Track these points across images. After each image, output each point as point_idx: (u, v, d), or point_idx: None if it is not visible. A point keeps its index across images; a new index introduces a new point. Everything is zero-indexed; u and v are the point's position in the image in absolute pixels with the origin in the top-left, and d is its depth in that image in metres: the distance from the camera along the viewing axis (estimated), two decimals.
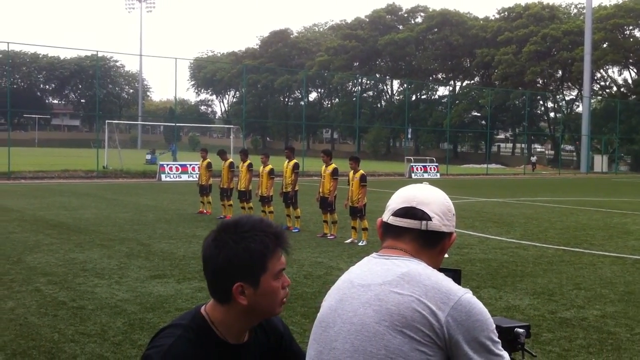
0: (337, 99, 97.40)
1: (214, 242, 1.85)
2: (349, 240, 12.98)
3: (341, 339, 1.86)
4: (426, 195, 1.99)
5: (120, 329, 6.64)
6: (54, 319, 6.93)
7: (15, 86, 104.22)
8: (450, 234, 1.99)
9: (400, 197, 2.02)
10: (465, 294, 1.81)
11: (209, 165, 17.82)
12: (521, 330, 2.28)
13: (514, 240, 13.58)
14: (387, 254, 1.96)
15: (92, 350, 5.96)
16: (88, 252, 11.02)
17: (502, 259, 11.24)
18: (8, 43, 33.88)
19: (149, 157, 46.23)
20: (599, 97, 73.44)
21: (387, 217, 2.02)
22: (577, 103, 76.15)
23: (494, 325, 1.84)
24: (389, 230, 2.00)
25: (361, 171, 13.18)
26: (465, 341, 1.77)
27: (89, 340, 6.25)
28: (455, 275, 2.02)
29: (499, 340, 1.85)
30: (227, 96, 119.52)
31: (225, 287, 1.83)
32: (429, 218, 1.94)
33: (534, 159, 63.47)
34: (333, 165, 13.83)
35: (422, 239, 1.95)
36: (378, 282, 1.88)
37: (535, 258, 11.50)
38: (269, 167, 15.51)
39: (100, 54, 51.54)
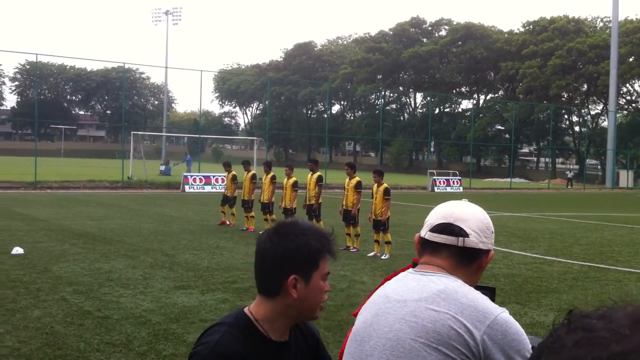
0: (360, 112, 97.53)
1: (275, 235, 1.93)
2: (371, 254, 12.97)
3: (377, 354, 1.88)
4: (464, 211, 2.00)
5: (145, 339, 6.70)
6: (80, 329, 7.01)
7: (42, 97, 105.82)
8: (488, 251, 1.99)
9: (439, 213, 2.02)
10: (501, 313, 1.82)
11: (234, 177, 17.94)
12: None
13: (538, 256, 13.47)
14: (424, 269, 1.97)
15: None
16: (113, 262, 11.13)
17: (526, 274, 11.16)
18: (37, 54, 34.62)
19: (162, 168, 46.22)
20: (625, 112, 72.71)
21: (424, 232, 2.03)
22: (602, 117, 75.45)
23: (530, 345, 1.84)
24: (426, 246, 2.02)
25: (385, 184, 13.19)
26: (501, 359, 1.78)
27: (114, 350, 6.31)
28: (491, 292, 2.02)
29: None
30: (250, 108, 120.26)
31: (279, 279, 1.90)
32: (466, 235, 1.95)
33: (570, 174, 62.27)
34: (357, 178, 13.84)
35: (459, 256, 1.96)
36: (414, 298, 1.89)
37: (560, 274, 11.39)
38: (293, 179, 15.56)
39: (126, 66, 52.24)
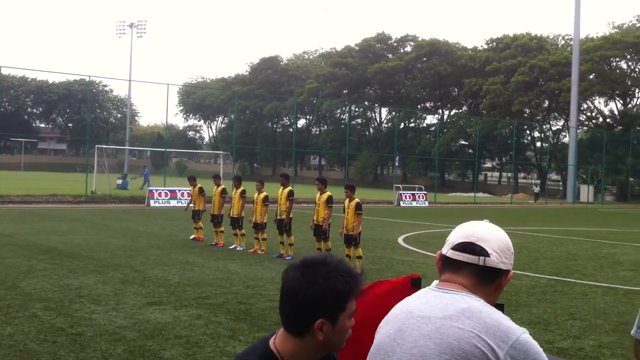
0: (325, 126, 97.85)
1: (303, 277, 1.92)
2: None
3: None
4: (486, 232, 2.05)
5: (121, 355, 6.62)
6: (54, 346, 6.89)
7: (2, 109, 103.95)
8: (507, 271, 2.05)
9: (461, 232, 2.08)
10: (523, 334, 1.89)
11: (201, 190, 17.85)
12: None
13: None
14: (446, 287, 2.03)
15: None
16: (82, 278, 10.97)
17: None
18: (0, 67, 33.70)
19: (119, 182, 45.14)
20: (585, 128, 74.30)
21: (446, 250, 2.08)
22: (563, 133, 76.97)
23: None
24: (447, 264, 2.07)
25: (357, 199, 13.27)
26: None
27: None
28: (500, 308, 2.07)
29: None
30: (215, 122, 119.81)
31: (305, 321, 1.91)
32: (487, 254, 2.00)
33: (536, 189, 63.01)
34: (328, 193, 13.90)
35: (480, 275, 2.01)
36: (439, 315, 1.94)
37: (529, 288, 11.57)
38: (264, 194, 15.55)
39: (90, 79, 51.71)
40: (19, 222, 20.80)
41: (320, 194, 13.98)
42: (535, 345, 1.90)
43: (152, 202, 32.21)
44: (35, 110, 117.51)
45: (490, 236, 2.04)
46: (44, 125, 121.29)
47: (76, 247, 14.94)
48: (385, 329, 2.06)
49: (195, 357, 6.67)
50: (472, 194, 56.20)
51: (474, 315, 1.90)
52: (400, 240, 19.45)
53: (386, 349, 2.00)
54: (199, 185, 17.97)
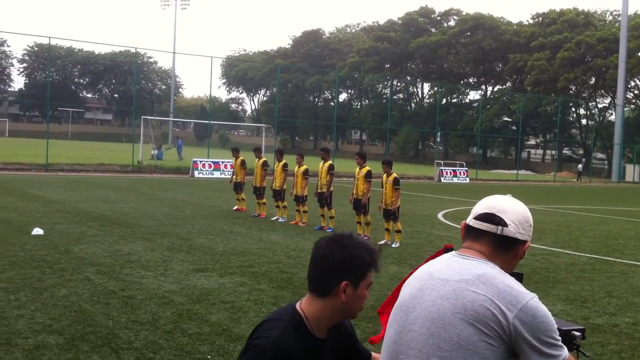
0: (367, 101, 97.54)
1: (335, 243, 2.22)
2: (382, 242, 13.21)
3: (419, 324, 2.15)
4: (507, 204, 2.25)
5: (170, 318, 6.98)
6: (107, 307, 7.29)
7: (50, 79, 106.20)
8: (525, 242, 2.24)
9: (484, 204, 2.29)
10: (532, 299, 2.07)
11: (242, 162, 18.15)
12: (577, 333, 2.55)
13: (545, 247, 13.71)
14: (466, 254, 2.23)
15: (145, 337, 6.30)
16: (131, 244, 11.41)
17: (534, 265, 11.40)
18: (49, 37, 34.53)
19: (154, 152, 45.86)
20: (633, 106, 72.65)
21: (469, 220, 2.29)
22: (610, 111, 75.49)
23: (556, 327, 2.10)
24: (469, 232, 2.28)
25: (394, 174, 13.40)
26: (529, 339, 2.03)
27: (141, 327, 6.59)
28: (519, 277, 2.27)
29: (559, 339, 2.10)
30: (257, 95, 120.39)
31: (331, 282, 2.19)
32: (505, 224, 2.20)
33: (580, 167, 62.19)
34: (367, 168, 14.05)
35: (498, 243, 2.21)
36: (456, 278, 2.15)
37: (567, 265, 11.64)
38: (304, 167, 15.79)
39: (137, 50, 52.31)
40: (68, 190, 21.49)
41: (360, 169, 14.13)
42: (543, 309, 2.07)
43: (196, 173, 32.83)
44: (82, 80, 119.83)
45: (510, 208, 2.23)
46: (90, 95, 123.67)
47: (124, 215, 15.46)
48: (409, 288, 2.28)
49: (240, 322, 6.99)
50: (514, 172, 55.65)
51: (488, 280, 2.10)
52: (439, 215, 19.56)
53: (408, 306, 2.22)
54: (241, 157, 18.25)
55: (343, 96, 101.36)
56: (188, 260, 10.26)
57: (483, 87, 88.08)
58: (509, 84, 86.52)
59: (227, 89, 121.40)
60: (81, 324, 6.62)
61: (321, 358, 2.25)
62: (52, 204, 17.16)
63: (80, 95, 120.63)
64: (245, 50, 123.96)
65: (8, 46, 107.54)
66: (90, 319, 6.80)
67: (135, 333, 6.40)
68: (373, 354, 2.57)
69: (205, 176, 32.69)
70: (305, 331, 2.20)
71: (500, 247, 2.21)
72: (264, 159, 17.86)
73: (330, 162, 15.59)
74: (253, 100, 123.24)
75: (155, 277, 8.89)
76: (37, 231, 12.00)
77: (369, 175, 14.02)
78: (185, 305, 7.54)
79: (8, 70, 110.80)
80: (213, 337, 6.41)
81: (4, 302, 7.25)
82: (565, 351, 2.10)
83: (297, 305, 2.26)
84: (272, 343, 2.11)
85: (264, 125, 50.50)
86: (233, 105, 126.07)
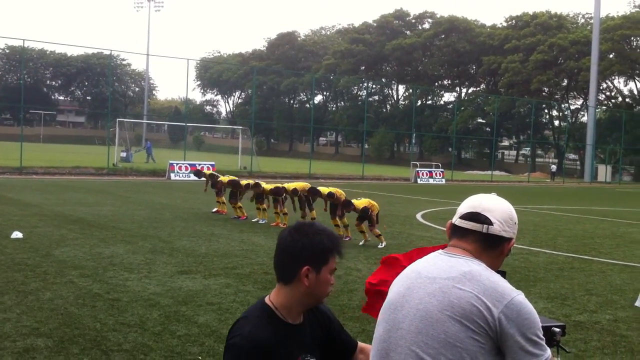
0: (342, 103, 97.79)
1: (296, 231, 2.34)
2: (362, 242, 13.27)
3: (407, 321, 2.20)
4: (491, 203, 2.31)
5: (157, 320, 6.97)
6: (93, 310, 7.25)
7: (21, 82, 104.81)
8: (510, 239, 2.29)
9: (469, 203, 2.35)
10: (517, 296, 2.13)
11: (212, 177, 18.47)
12: (557, 329, 2.62)
13: (524, 247, 13.89)
14: (452, 252, 2.28)
15: (134, 339, 6.28)
16: (113, 247, 11.35)
17: (513, 264, 11.54)
18: (24, 40, 34.17)
19: (123, 154, 44.99)
20: (604, 107, 73.78)
21: (455, 219, 2.35)
22: (582, 112, 76.57)
23: (540, 324, 2.15)
24: (455, 231, 2.33)
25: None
26: (513, 335, 2.08)
27: (130, 330, 6.57)
28: (502, 275, 2.30)
29: (543, 338, 2.15)
30: (232, 97, 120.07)
31: (295, 268, 2.30)
32: (490, 223, 2.25)
33: (553, 167, 63.03)
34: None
35: (484, 241, 2.26)
36: (443, 276, 2.20)
37: (546, 264, 11.81)
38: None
39: (111, 53, 51.56)
40: (44, 193, 21.26)
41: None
42: (528, 305, 2.12)
43: (172, 176, 32.67)
44: (54, 82, 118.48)
45: (495, 207, 2.29)
46: (62, 97, 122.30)
47: (103, 218, 15.35)
48: (397, 286, 2.33)
49: (228, 323, 6.99)
50: (489, 172, 56.20)
51: (475, 277, 2.14)
52: (418, 216, 19.71)
53: (396, 304, 2.26)
54: (205, 177, 18.64)
55: (318, 98, 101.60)
56: (171, 262, 10.24)
57: (457, 89, 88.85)
58: (483, 85, 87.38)
59: (202, 91, 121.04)
60: (69, 326, 6.59)
61: (301, 342, 2.35)
62: (29, 207, 16.98)
63: (53, 97, 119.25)
64: (219, 52, 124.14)
65: None
66: (78, 322, 6.77)
67: (124, 335, 6.39)
68: (360, 344, 2.65)
69: (182, 178, 32.53)
70: (277, 321, 2.30)
71: (486, 245, 2.25)
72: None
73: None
74: (228, 103, 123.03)
75: (139, 280, 8.86)
76: (17, 234, 11.88)
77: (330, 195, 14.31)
78: (171, 307, 7.53)
79: None
80: (202, 338, 6.42)
81: None
82: (548, 352, 2.14)
83: (266, 299, 2.37)
84: (246, 338, 2.21)
85: (241, 127, 50.37)
86: (208, 107, 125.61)
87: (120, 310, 7.26)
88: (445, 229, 2.44)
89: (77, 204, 18.27)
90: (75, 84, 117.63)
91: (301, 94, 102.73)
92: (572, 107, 77.80)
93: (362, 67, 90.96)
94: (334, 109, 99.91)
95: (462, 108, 78.71)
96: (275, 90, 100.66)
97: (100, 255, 10.48)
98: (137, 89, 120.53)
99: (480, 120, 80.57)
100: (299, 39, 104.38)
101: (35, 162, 34.12)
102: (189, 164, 34.14)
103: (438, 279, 2.19)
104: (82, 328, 6.56)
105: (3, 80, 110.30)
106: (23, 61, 65.73)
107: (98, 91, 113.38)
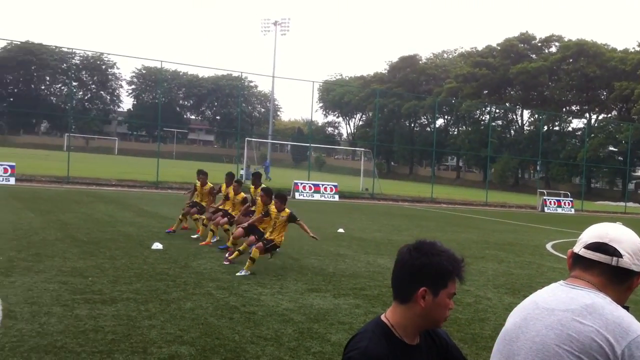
0: (464, 127, 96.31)
1: (416, 249, 2.29)
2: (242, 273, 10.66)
3: (523, 354, 2.12)
4: (619, 233, 2.17)
5: (292, 335, 7.16)
6: (231, 322, 7.55)
7: (156, 101, 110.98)
8: (639, 273, 2.16)
9: (594, 232, 2.21)
10: None
11: (212, 190, 16.97)
12: None
13: None
14: (574, 283, 2.17)
15: (271, 352, 6.49)
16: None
17: (638, 299, 10.93)
18: (161, 61, 36.25)
19: (243, 172, 45.79)
20: None
21: (578, 249, 2.22)
22: None
23: None
24: (578, 262, 2.21)
25: (288, 210, 11.77)
26: None
27: (266, 343, 6.79)
28: (626, 310, 2.17)
29: None
30: (353, 119, 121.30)
31: (411, 288, 2.26)
32: (620, 255, 2.12)
33: None
34: (287, 212, 11.76)
35: (611, 274, 2.13)
36: (562, 308, 2.10)
37: None
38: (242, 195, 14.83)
39: (241, 75, 54.10)
40: (179, 207, 22.28)
41: (279, 212, 11.63)
42: None
43: (297, 195, 33.36)
44: (186, 102, 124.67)
45: (624, 238, 2.15)
46: (193, 117, 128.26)
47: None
48: (514, 317, 2.25)
49: None
50: (622, 204, 53.38)
51: (597, 311, 2.03)
52: (548, 246, 19.04)
53: (512, 335, 2.19)
54: (209, 184, 16.92)
55: (440, 122, 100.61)
56: (301, 279, 10.48)
57: (587, 115, 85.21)
58: (614, 112, 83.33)
59: (324, 112, 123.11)
60: (210, 336, 6.90)
61: None
62: (167, 220, 17.89)
63: (184, 116, 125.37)
64: (341, 75, 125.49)
65: (117, 68, 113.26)
66: (218, 332, 7.07)
67: (262, 348, 6.61)
68: None
69: (306, 198, 33.16)
70: (393, 338, 2.28)
71: (614, 278, 2.14)
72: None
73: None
74: (349, 124, 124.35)
75: (272, 295, 9.13)
76: (157, 245, 12.56)
77: (291, 218, 11.73)
78: (304, 323, 7.71)
79: (117, 92, 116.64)
80: (336, 357, 6.51)
81: (135, 312, 7.65)
82: None
83: (382, 316, 2.36)
84: (363, 353, 2.21)
85: (364, 149, 50.75)
86: (329, 128, 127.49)
87: (256, 324, 7.52)
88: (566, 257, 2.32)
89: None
90: (205, 104, 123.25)
91: (422, 117, 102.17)
92: None
93: (485, 91, 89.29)
94: (455, 133, 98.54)
95: (592, 135, 75.34)
96: (396, 113, 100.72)
97: (235, 269, 10.86)
98: (262, 109, 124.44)
99: (611, 149, 76.78)
100: (420, 62, 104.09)
101: (170, 177, 35.88)
102: (312, 184, 34.76)
103: (557, 310, 2.10)
104: (222, 338, 6.84)
105: (139, 99, 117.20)
106: (160, 81, 69.45)
107: (227, 111, 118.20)
